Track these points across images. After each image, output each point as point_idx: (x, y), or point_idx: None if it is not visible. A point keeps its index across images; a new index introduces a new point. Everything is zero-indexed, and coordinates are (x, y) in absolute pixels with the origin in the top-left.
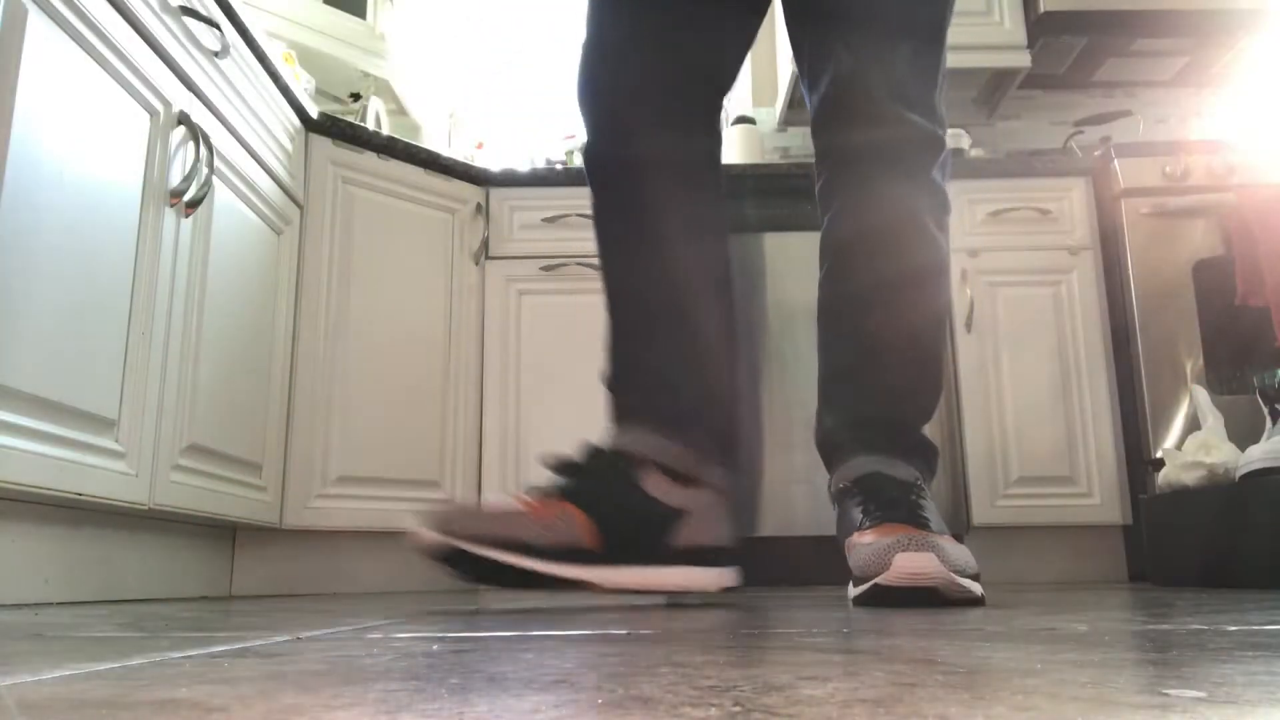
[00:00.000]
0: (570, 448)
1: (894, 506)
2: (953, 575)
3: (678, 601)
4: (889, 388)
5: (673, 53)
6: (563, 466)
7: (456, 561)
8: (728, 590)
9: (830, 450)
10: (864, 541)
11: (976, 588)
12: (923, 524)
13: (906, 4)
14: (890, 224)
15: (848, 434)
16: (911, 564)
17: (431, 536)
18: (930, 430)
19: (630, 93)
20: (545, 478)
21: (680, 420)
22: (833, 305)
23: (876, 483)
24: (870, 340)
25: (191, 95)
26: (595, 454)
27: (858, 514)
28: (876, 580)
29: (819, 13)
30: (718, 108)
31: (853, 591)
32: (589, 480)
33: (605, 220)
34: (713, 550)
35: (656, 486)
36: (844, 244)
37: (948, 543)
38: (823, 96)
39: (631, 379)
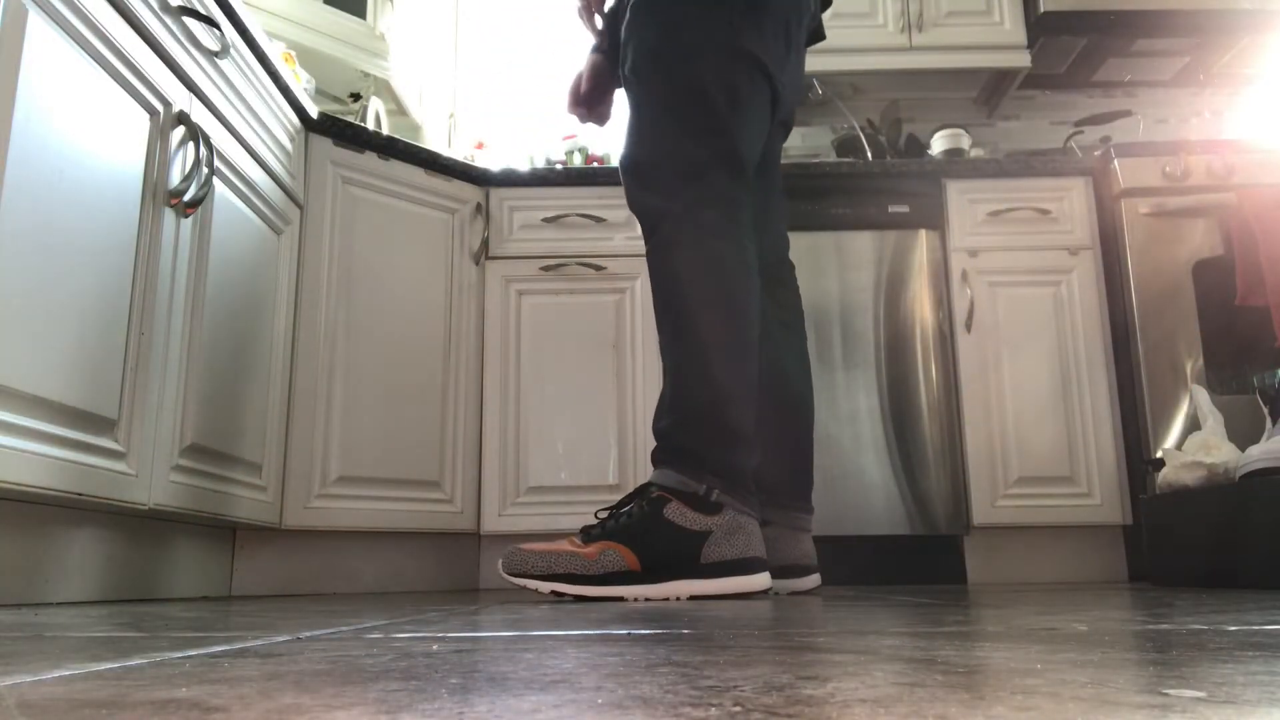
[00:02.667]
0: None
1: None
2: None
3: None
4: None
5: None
6: (607, 512)
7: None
8: (761, 593)
9: None
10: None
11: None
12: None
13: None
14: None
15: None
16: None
17: (506, 578)
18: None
19: None
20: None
21: (702, 458)
22: None
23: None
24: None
25: (191, 95)
26: (629, 497)
27: None
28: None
29: None
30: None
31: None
32: (624, 519)
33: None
34: (739, 562)
35: (680, 515)
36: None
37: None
38: None
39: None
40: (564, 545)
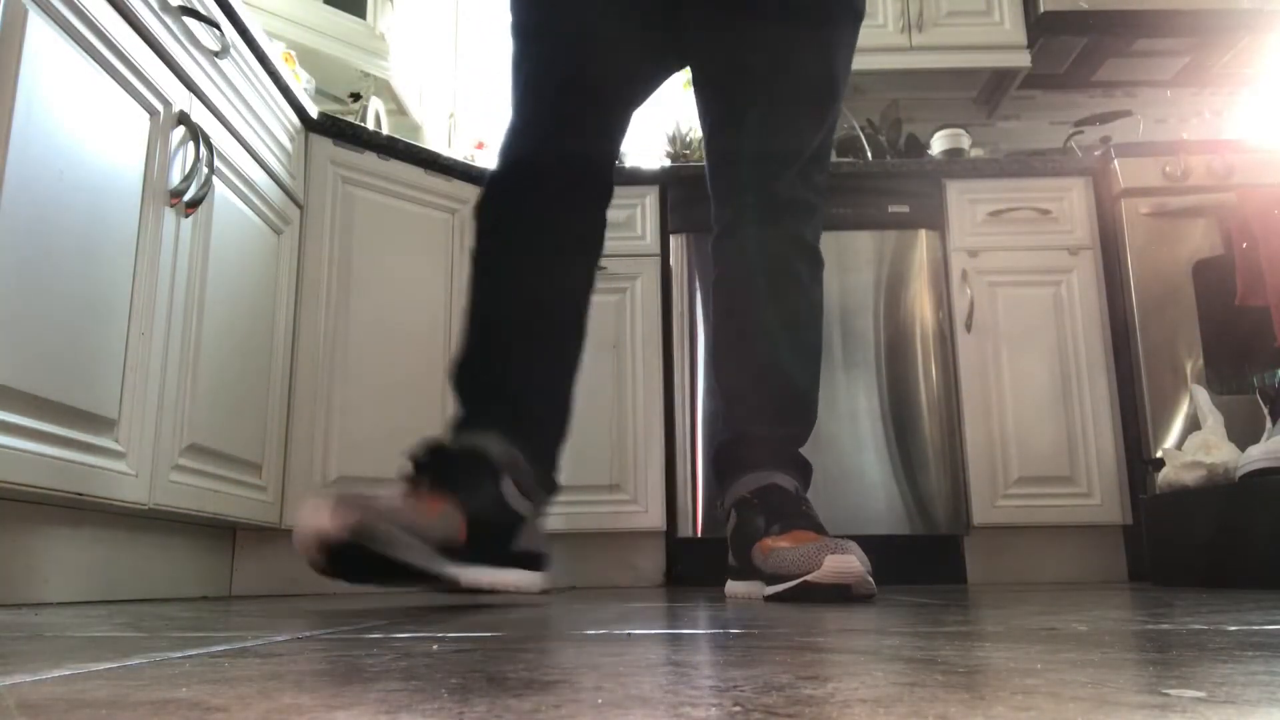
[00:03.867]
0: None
1: (795, 516)
2: (865, 573)
3: (507, 603)
4: (771, 412)
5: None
6: (435, 458)
7: (344, 554)
8: (546, 592)
9: (723, 464)
10: (782, 546)
11: (873, 583)
12: (824, 530)
13: (794, 82)
14: (771, 274)
15: (742, 450)
16: (839, 564)
17: (338, 530)
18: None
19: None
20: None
21: (532, 437)
22: (727, 338)
23: (774, 494)
24: (757, 369)
25: (191, 95)
26: (468, 453)
27: (761, 522)
28: (805, 578)
29: (721, 83)
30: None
31: (769, 590)
32: (467, 479)
33: (489, 242)
34: (538, 555)
35: (511, 493)
36: (736, 289)
37: (855, 546)
38: (719, 159)
39: (495, 389)
40: (403, 494)
